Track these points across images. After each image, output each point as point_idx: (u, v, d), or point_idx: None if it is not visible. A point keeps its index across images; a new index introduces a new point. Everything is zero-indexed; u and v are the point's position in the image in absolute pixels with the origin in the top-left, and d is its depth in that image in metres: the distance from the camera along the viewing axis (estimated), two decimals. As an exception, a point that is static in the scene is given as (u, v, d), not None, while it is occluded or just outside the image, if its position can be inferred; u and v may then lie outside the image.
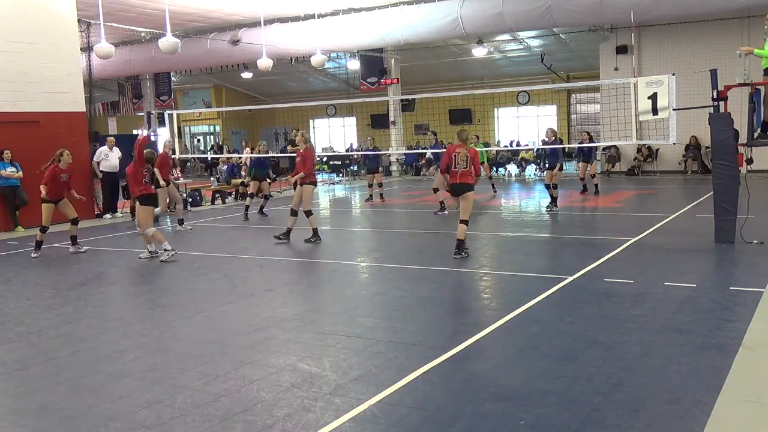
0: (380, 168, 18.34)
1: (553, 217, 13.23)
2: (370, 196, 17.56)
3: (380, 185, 17.74)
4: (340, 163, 25.76)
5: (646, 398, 4.28)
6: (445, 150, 9.90)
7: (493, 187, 18.17)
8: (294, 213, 11.11)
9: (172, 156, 19.36)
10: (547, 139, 14.82)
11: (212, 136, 37.87)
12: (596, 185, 16.70)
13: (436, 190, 14.04)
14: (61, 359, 5.61)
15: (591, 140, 17.11)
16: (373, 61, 25.77)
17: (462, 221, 9.07)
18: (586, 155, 16.82)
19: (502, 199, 17.03)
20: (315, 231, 11.01)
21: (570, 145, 21.86)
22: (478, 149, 15.65)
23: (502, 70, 29.69)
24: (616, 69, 22.07)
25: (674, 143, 10.91)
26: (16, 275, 9.42)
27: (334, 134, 34.89)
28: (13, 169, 14.10)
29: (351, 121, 34.08)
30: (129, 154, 16.83)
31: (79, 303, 7.61)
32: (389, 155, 26.09)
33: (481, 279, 8.22)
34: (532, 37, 25.76)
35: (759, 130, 9.53)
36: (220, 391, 4.67)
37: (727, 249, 9.05)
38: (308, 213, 10.98)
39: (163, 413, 4.35)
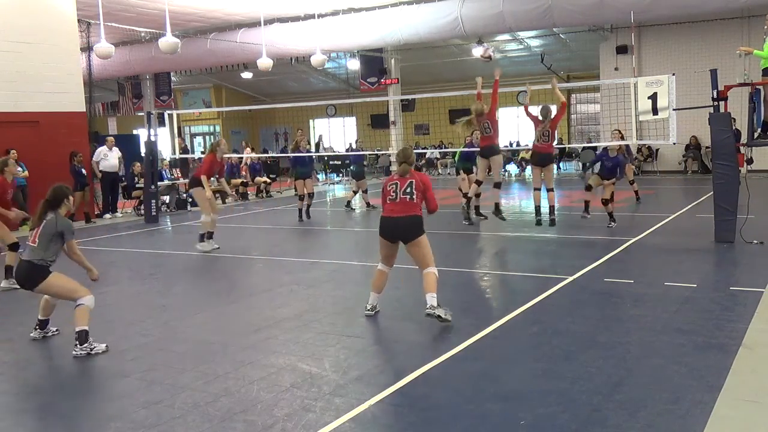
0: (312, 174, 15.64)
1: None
2: (301, 210, 14.09)
3: (311, 195, 14.27)
4: (340, 163, 25.75)
5: (646, 398, 4.28)
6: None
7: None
8: (479, 183, 11.95)
9: (177, 158, 19.23)
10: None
11: (212, 136, 37.85)
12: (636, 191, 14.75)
13: (606, 202, 11.42)
14: (62, 359, 5.61)
15: (623, 140, 13.26)
16: (373, 61, 25.76)
17: (536, 189, 11.13)
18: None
19: (501, 199, 16.91)
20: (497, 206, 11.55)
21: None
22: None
23: (502, 70, 29.66)
24: (616, 69, 22.05)
25: (674, 143, 10.91)
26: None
27: (334, 134, 34.85)
28: (20, 168, 14.08)
29: (351, 121, 34.05)
30: (129, 155, 16.97)
31: (79, 303, 7.60)
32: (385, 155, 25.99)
33: (481, 279, 8.23)
34: (532, 37, 25.74)
35: (759, 130, 9.55)
36: (220, 391, 4.67)
37: (727, 249, 9.04)
38: (497, 185, 11.64)
39: (163, 413, 4.35)
